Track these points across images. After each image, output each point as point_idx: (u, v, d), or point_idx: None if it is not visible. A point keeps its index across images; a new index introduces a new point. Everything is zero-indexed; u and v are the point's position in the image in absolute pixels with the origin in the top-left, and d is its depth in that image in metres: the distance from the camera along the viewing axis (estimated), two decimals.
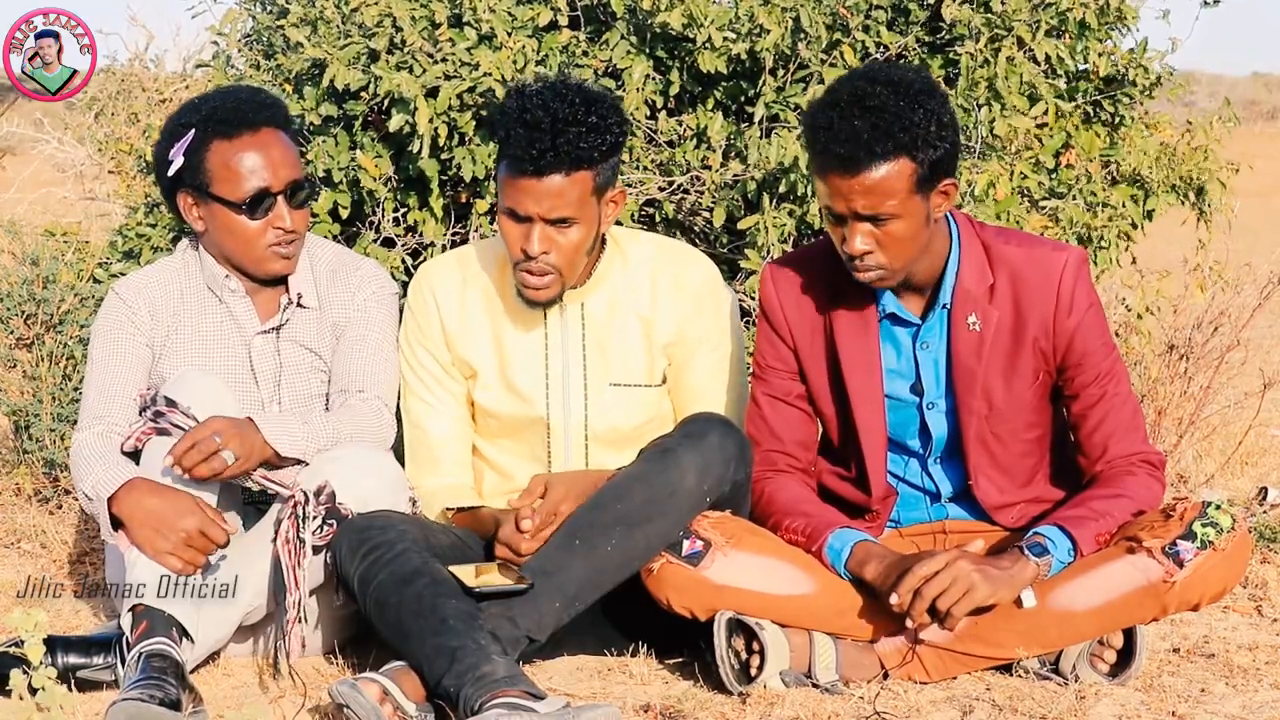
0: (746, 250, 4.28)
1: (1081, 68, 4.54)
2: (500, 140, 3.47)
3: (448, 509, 3.59)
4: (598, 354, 3.62)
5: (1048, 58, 4.37)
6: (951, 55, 4.41)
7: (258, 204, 3.57)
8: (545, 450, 3.65)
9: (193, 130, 3.58)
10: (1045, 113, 4.40)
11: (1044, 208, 4.45)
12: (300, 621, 3.36)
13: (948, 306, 3.40)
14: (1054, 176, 4.50)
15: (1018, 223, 4.27)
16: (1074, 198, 4.46)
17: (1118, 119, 4.61)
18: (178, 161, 3.57)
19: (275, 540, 3.39)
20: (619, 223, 4.14)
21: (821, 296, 3.46)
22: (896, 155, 3.20)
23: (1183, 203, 4.66)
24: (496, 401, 3.65)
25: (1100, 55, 4.48)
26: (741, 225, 4.28)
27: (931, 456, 3.50)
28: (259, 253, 3.61)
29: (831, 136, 3.22)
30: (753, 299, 4.25)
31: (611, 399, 3.62)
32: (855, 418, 3.45)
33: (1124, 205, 4.55)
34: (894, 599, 3.22)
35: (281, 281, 3.69)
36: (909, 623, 3.24)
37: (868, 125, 3.19)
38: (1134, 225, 4.67)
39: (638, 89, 4.34)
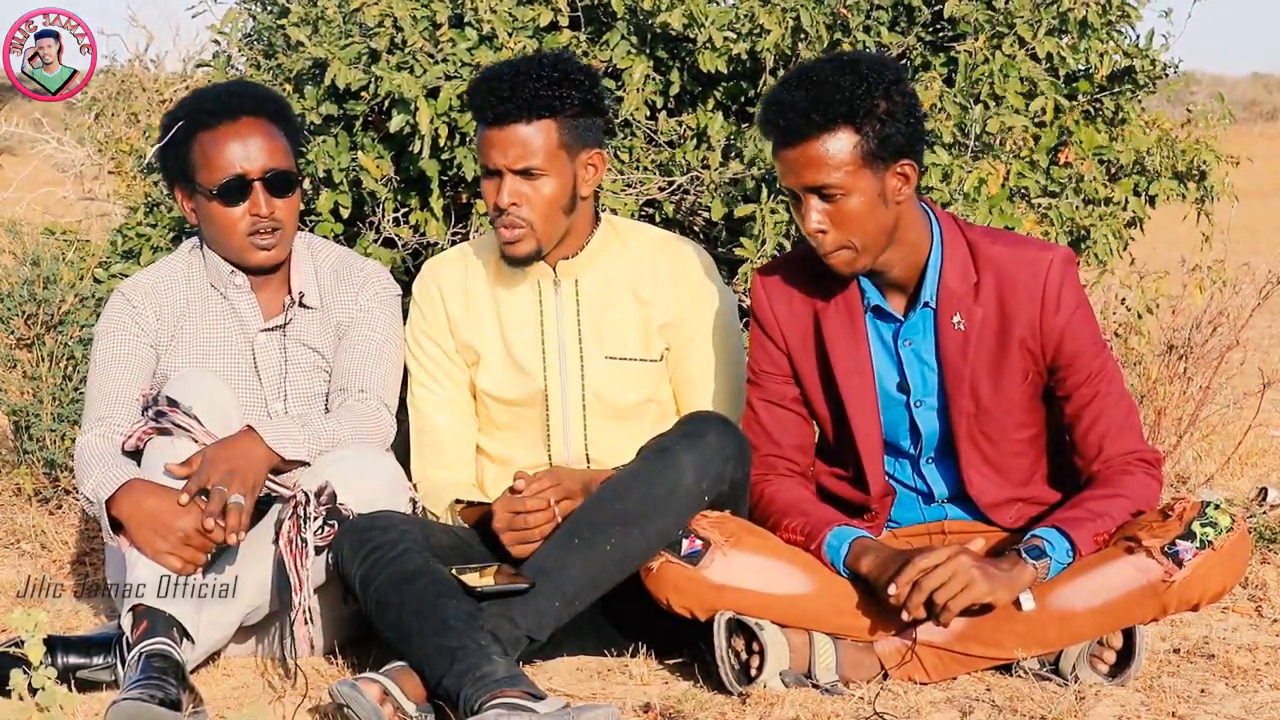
0: (742, 239, 4.28)
1: (1083, 68, 4.54)
2: (469, 100, 3.58)
3: (457, 501, 3.60)
4: (592, 328, 3.65)
5: (1049, 56, 4.38)
6: (953, 54, 4.42)
7: (230, 190, 3.59)
8: (544, 426, 3.66)
9: (179, 124, 3.61)
10: (1044, 110, 4.41)
11: (1037, 206, 4.45)
12: (307, 623, 3.36)
13: (931, 305, 3.40)
14: (1049, 175, 4.51)
15: (1008, 225, 4.27)
16: (1067, 196, 4.46)
17: (1119, 116, 4.61)
18: (152, 153, 3.65)
19: (276, 541, 3.39)
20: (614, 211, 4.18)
21: (811, 298, 3.47)
22: (837, 125, 3.24)
23: (1183, 195, 4.65)
24: (498, 381, 3.67)
25: (1102, 55, 4.48)
26: (738, 214, 4.28)
27: (923, 457, 3.50)
28: (238, 241, 3.62)
29: (776, 111, 3.28)
30: (748, 294, 4.25)
31: (608, 371, 3.64)
32: (849, 417, 3.46)
33: (1126, 200, 4.56)
34: (892, 589, 3.22)
35: (273, 272, 3.68)
36: (904, 615, 3.24)
37: (808, 97, 3.25)
38: (1133, 223, 4.67)
39: (638, 89, 4.34)
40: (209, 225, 3.64)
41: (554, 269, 3.65)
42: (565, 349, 3.65)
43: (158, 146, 3.64)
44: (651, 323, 3.66)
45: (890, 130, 3.26)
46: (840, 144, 3.25)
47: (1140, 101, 4.69)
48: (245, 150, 3.59)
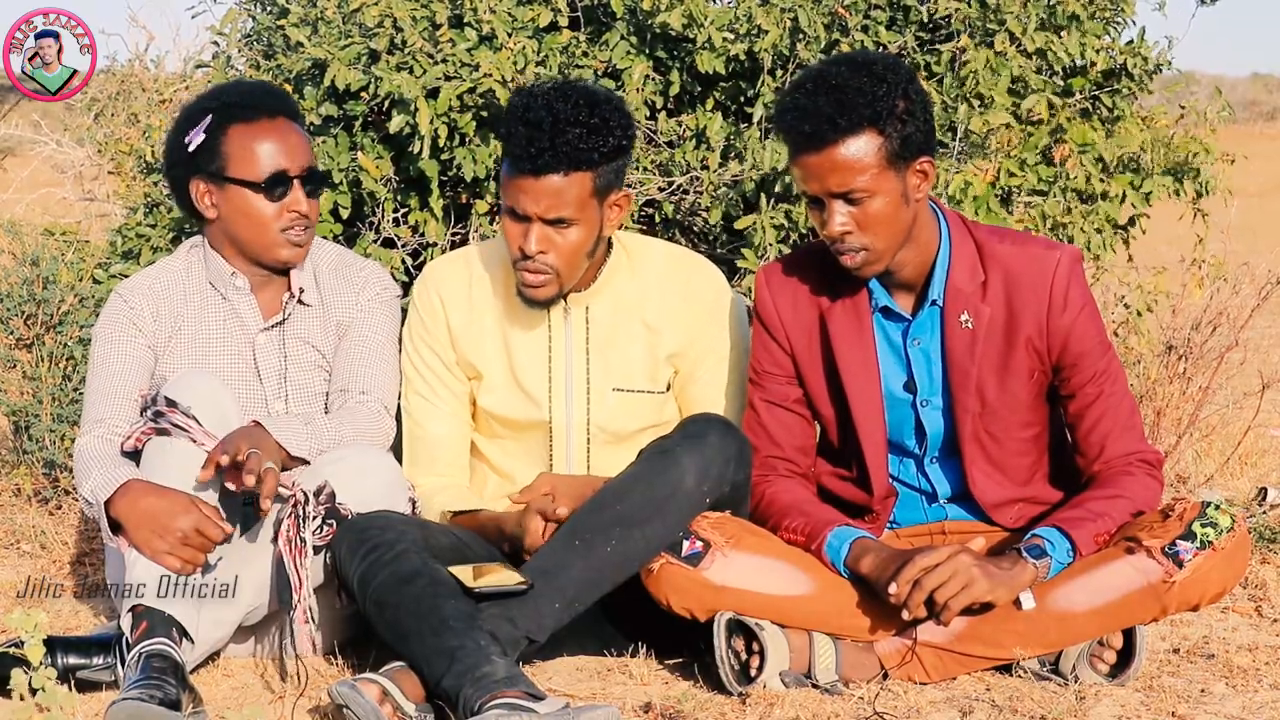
0: (743, 250, 4.29)
1: (1078, 64, 4.54)
2: (502, 138, 3.49)
3: (447, 511, 3.59)
4: (601, 358, 3.63)
5: (1041, 52, 4.38)
6: (945, 55, 4.42)
7: (275, 184, 3.60)
8: (547, 452, 3.65)
9: (210, 115, 3.60)
10: (1035, 108, 4.41)
11: (1028, 204, 4.45)
12: (309, 622, 3.36)
13: (939, 303, 3.40)
14: (1038, 175, 4.50)
15: (1002, 222, 4.27)
16: (1054, 195, 4.46)
17: (1115, 114, 4.62)
18: (198, 139, 3.60)
19: (276, 540, 3.39)
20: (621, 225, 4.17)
21: (816, 298, 3.46)
22: (862, 129, 3.23)
23: (1179, 191, 4.65)
24: (502, 403, 3.65)
25: (1098, 51, 4.48)
26: (738, 225, 4.29)
27: (927, 456, 3.50)
28: (272, 237, 3.63)
29: (798, 117, 3.26)
30: (751, 298, 4.25)
31: (615, 403, 3.63)
32: (854, 418, 3.45)
33: (1123, 194, 4.55)
34: (892, 589, 3.22)
35: (284, 274, 3.69)
36: (905, 614, 3.24)
37: (831, 101, 3.23)
38: (1132, 221, 4.67)
39: (637, 89, 4.34)
40: (239, 219, 3.63)
41: (565, 299, 3.63)
42: (572, 380, 3.64)
43: (198, 133, 3.60)
44: (659, 351, 3.64)
45: (910, 129, 3.26)
46: (865, 147, 3.24)
47: (1137, 99, 4.69)
48: (287, 147, 3.62)
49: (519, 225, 3.49)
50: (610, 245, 3.64)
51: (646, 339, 3.63)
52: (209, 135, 3.60)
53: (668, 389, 3.67)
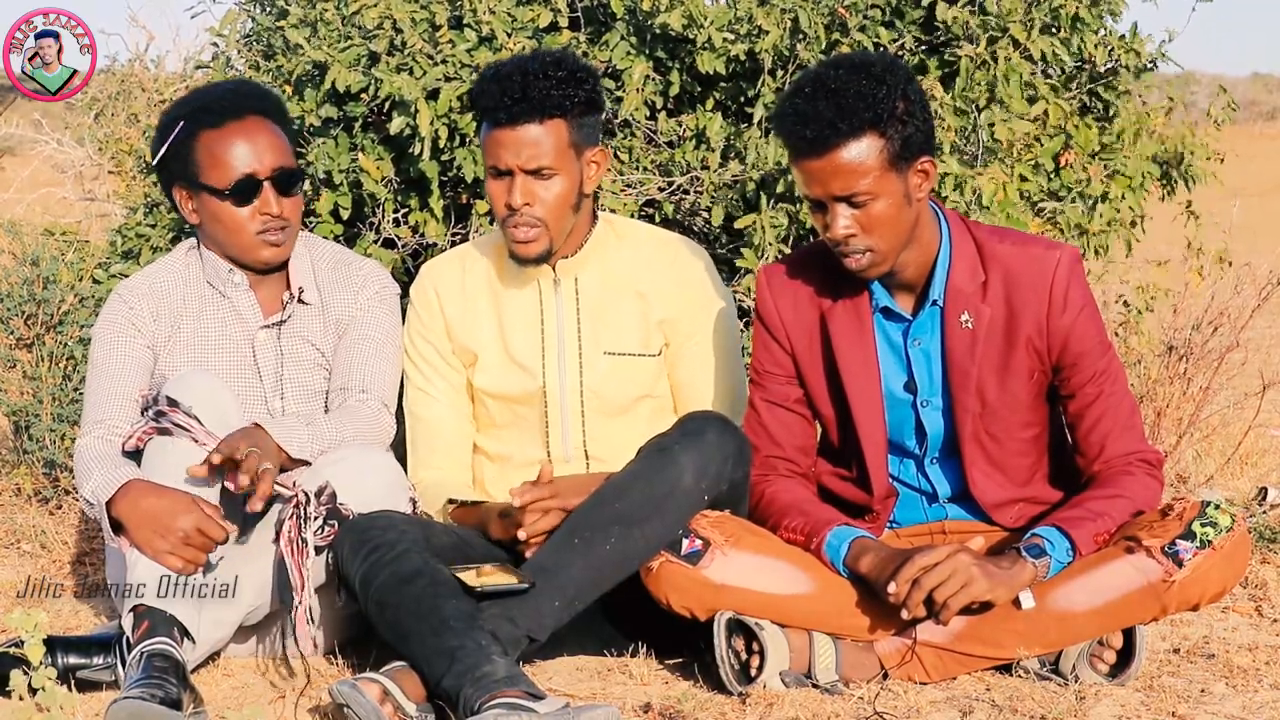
0: (742, 250, 4.29)
1: (1077, 63, 4.54)
2: (476, 100, 3.57)
3: (450, 501, 3.61)
4: (591, 324, 3.67)
5: (1043, 55, 4.38)
6: (948, 56, 4.42)
7: (243, 190, 3.60)
8: (543, 423, 3.67)
9: (181, 123, 3.60)
10: (1045, 113, 4.40)
11: (1042, 210, 4.45)
12: (309, 622, 3.37)
13: (939, 303, 3.40)
14: (1053, 179, 4.51)
15: (1024, 228, 4.26)
16: (1073, 200, 4.46)
17: (1111, 111, 4.61)
18: (160, 150, 3.62)
19: (276, 541, 3.39)
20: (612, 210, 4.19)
21: (817, 298, 3.47)
22: (863, 132, 3.23)
23: (1170, 189, 4.65)
24: (496, 380, 3.68)
25: (1096, 46, 4.48)
26: (739, 224, 4.29)
27: (927, 457, 3.50)
28: (248, 240, 3.63)
29: (798, 121, 3.26)
30: (750, 298, 4.25)
31: (607, 368, 3.66)
32: (854, 418, 3.46)
33: (1122, 196, 4.55)
34: (891, 588, 3.23)
35: (281, 271, 3.69)
36: (904, 614, 3.24)
37: (831, 106, 3.23)
38: (1134, 224, 4.67)
39: (637, 89, 4.34)
40: (216, 225, 3.64)
41: (554, 268, 3.66)
42: (565, 346, 3.66)
43: (163, 149, 3.63)
44: (650, 317, 3.67)
45: (910, 130, 3.26)
46: (867, 150, 3.24)
47: (1137, 94, 4.68)
48: (254, 149, 3.61)
49: (501, 182, 3.56)
50: (595, 216, 3.69)
51: (638, 305, 3.67)
52: (181, 144, 3.61)
53: (659, 354, 3.68)
